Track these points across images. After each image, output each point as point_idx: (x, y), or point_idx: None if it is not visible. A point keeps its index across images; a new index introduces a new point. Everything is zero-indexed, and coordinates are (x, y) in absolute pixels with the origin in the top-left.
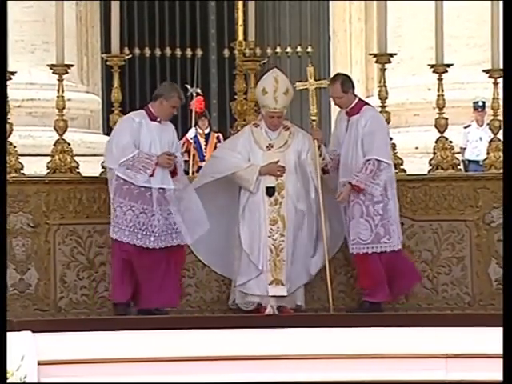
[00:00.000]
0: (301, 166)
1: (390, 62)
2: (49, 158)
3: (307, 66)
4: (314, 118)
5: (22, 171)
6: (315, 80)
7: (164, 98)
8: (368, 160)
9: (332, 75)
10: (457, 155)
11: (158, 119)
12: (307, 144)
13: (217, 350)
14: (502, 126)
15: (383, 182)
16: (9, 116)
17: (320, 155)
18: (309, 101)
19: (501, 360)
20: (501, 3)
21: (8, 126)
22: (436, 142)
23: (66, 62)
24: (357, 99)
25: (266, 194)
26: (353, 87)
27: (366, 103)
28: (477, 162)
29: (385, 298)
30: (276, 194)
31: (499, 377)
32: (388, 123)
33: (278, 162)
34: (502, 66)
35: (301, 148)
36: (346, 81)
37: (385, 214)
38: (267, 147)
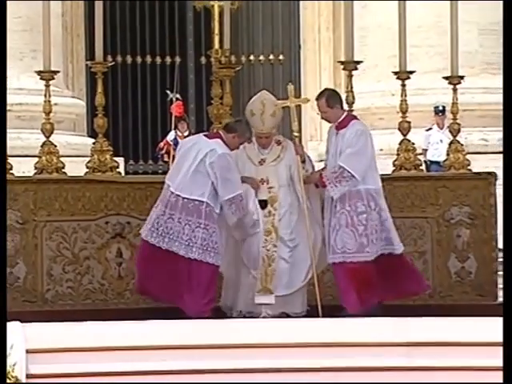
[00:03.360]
0: (292, 178)
1: (356, 69)
2: (36, 159)
3: (287, 85)
4: (296, 134)
5: (11, 171)
6: (295, 98)
7: (238, 135)
8: (338, 165)
9: (320, 91)
10: (419, 156)
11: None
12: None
13: (204, 340)
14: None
15: (342, 188)
16: None
17: (303, 168)
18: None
19: (459, 347)
20: (459, 14)
21: None
22: (399, 144)
23: (52, 69)
24: (345, 113)
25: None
26: (340, 102)
27: (355, 117)
28: (437, 162)
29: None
30: (269, 206)
31: (458, 363)
32: None
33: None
34: (460, 73)
35: (292, 162)
36: (331, 96)
37: (367, 225)
38: (259, 162)
